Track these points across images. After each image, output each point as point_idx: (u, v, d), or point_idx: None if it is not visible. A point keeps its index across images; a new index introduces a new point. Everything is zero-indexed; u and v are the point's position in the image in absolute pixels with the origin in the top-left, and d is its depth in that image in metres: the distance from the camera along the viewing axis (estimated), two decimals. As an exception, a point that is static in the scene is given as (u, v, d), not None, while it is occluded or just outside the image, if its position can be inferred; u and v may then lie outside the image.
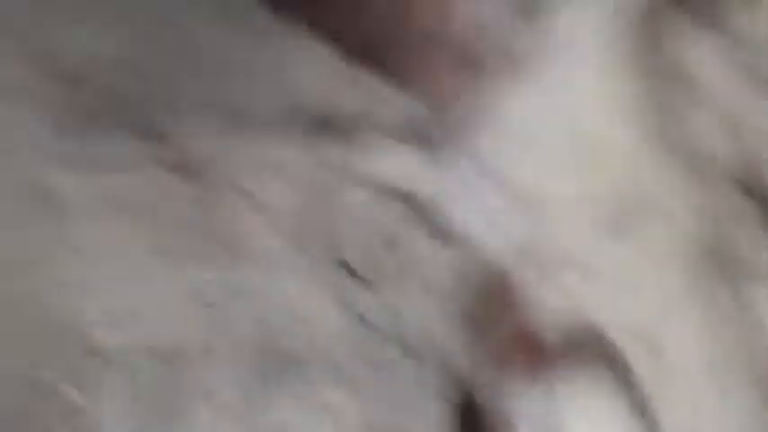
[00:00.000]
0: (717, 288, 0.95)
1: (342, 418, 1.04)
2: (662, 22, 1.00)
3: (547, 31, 0.89)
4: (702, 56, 1.04)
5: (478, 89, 0.96)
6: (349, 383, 1.05)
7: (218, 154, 1.06)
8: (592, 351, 0.93)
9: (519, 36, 0.91)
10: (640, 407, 0.90)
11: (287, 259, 1.07)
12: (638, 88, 0.94)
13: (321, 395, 1.04)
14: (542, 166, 0.95)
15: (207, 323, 1.05)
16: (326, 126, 1.07)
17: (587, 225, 0.95)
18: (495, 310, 1.00)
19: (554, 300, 0.96)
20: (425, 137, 1.06)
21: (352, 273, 1.08)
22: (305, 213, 1.08)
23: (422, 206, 1.08)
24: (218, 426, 1.01)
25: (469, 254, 1.06)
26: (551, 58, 0.90)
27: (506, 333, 0.99)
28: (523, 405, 0.92)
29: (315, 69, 1.06)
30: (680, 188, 0.95)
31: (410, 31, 0.98)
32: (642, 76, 0.94)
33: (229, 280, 1.06)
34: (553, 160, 0.95)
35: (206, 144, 1.05)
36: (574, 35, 0.89)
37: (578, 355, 0.92)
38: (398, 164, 1.08)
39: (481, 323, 1.02)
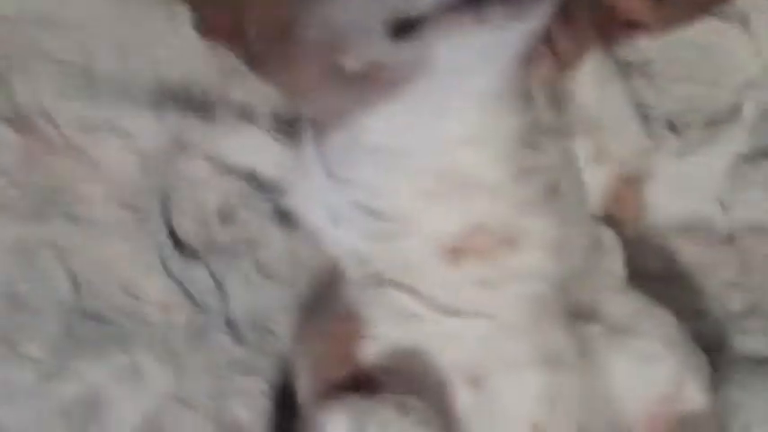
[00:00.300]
0: (555, 325, 0.94)
1: (153, 386, 1.08)
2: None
3: (426, 54, 0.83)
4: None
5: (339, 93, 0.91)
6: (165, 352, 1.08)
7: (56, 112, 1.05)
8: (412, 379, 0.93)
9: (391, 52, 0.85)
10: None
11: (114, 222, 1.08)
12: (513, 129, 0.90)
13: (134, 361, 1.06)
14: (397, 185, 0.92)
15: (19, 274, 1.06)
16: (181, 101, 1.06)
17: (434, 251, 0.92)
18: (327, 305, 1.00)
19: (384, 318, 0.95)
20: (282, 125, 1.06)
21: (182, 244, 1.08)
22: (140, 180, 1.07)
23: (265, 187, 1.08)
24: (23, 377, 1.04)
25: (310, 244, 1.05)
26: (429, 82, 0.85)
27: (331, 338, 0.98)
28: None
29: (180, 46, 1.04)
30: (540, 226, 0.92)
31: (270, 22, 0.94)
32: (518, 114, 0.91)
33: (50, 235, 1.06)
34: (411, 181, 0.92)
35: (46, 100, 1.05)
36: (457, 65, 0.84)
37: (398, 380, 0.93)
38: (247, 144, 1.07)
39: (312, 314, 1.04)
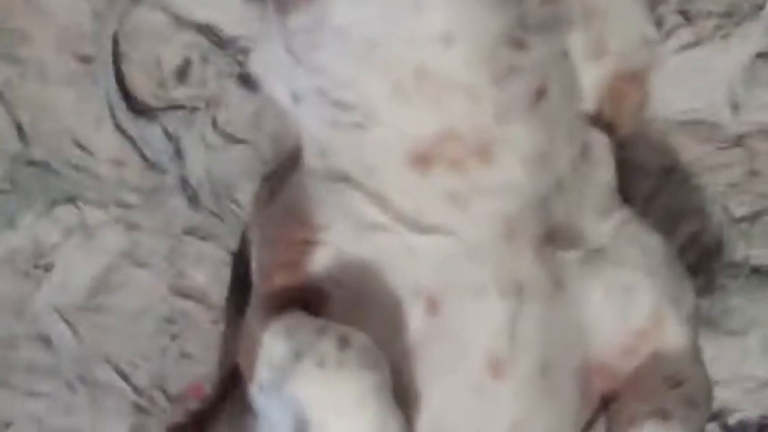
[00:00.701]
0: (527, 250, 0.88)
1: (104, 243, 1.08)
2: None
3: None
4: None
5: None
6: (117, 210, 1.06)
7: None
8: (364, 296, 0.89)
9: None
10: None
11: (64, 71, 1.03)
12: (495, 25, 0.82)
13: (84, 216, 1.07)
14: (364, 77, 0.85)
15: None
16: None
17: (399, 154, 0.86)
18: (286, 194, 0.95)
19: (341, 225, 0.88)
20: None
21: (134, 99, 1.04)
22: (92, 28, 1.03)
23: (226, 44, 1.03)
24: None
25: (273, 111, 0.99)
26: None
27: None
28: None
29: None
30: (520, 136, 0.85)
31: None
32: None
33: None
34: (378, 75, 0.85)
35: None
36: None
37: (349, 295, 0.89)
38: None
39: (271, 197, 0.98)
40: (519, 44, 0.84)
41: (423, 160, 0.86)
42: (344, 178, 0.89)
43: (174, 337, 1.08)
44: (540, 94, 0.87)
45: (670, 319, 0.91)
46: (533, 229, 0.88)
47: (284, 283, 0.90)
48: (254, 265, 0.95)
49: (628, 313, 0.90)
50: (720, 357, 1.05)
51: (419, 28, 0.82)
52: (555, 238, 0.90)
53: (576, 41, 0.92)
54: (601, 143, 0.94)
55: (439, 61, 0.83)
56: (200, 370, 1.09)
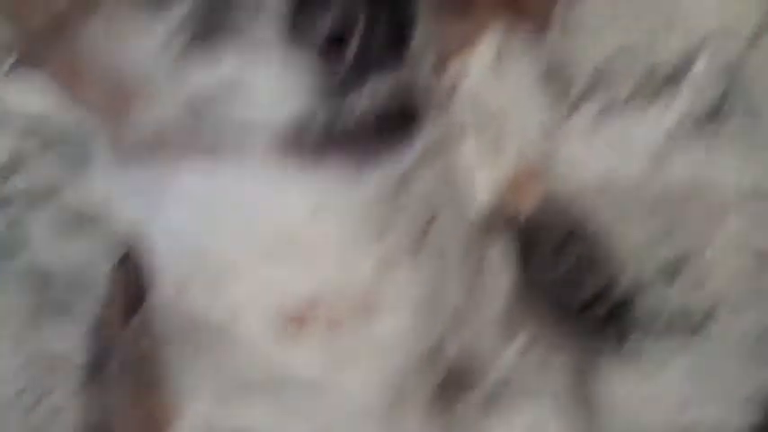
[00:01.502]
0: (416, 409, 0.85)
1: None
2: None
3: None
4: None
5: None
6: None
7: None
8: None
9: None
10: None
11: None
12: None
13: None
14: (222, 237, 0.84)
15: None
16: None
17: (269, 319, 0.83)
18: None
19: (201, 386, 0.87)
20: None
21: None
22: None
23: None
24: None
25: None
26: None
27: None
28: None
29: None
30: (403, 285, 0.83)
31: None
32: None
33: None
34: (238, 235, 0.83)
35: None
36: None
37: None
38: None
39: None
40: (397, 194, 0.80)
41: (294, 321, 0.82)
42: (202, 327, 0.86)
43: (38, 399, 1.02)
44: (428, 226, 0.84)
45: None
46: (424, 383, 0.85)
47: None
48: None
49: None
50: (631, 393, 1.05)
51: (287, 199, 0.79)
52: (451, 382, 0.87)
53: (470, 149, 0.89)
54: (501, 248, 0.92)
55: (307, 229, 0.80)
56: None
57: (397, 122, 0.73)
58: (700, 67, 0.92)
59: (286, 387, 0.84)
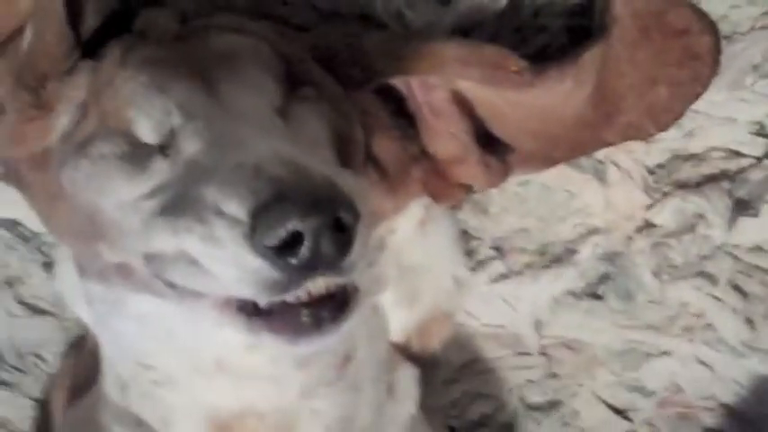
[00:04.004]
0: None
1: None
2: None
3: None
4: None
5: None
6: None
7: None
8: None
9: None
10: None
11: None
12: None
13: None
14: (165, 354, 0.90)
15: None
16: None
17: (199, 422, 0.91)
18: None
19: None
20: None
21: None
22: None
23: (28, 237, 1.07)
24: None
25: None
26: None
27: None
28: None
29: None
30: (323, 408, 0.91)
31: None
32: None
33: None
34: (179, 355, 0.89)
35: None
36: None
37: None
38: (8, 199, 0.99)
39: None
40: None
41: (222, 429, 0.89)
42: (140, 424, 0.92)
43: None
44: (347, 359, 0.91)
45: None
46: None
47: None
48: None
49: None
50: None
51: (220, 337, 0.82)
52: None
53: (388, 296, 0.98)
54: (407, 377, 1.01)
55: (241, 359, 0.84)
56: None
57: (332, 308, 0.74)
58: (584, 254, 1.04)
59: None
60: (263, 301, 0.72)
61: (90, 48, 0.85)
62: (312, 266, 0.69)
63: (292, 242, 0.68)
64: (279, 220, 0.67)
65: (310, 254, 0.68)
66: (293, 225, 0.67)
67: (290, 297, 0.72)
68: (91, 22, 0.86)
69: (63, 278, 0.99)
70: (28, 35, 0.83)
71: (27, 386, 1.12)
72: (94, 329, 0.96)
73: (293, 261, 0.68)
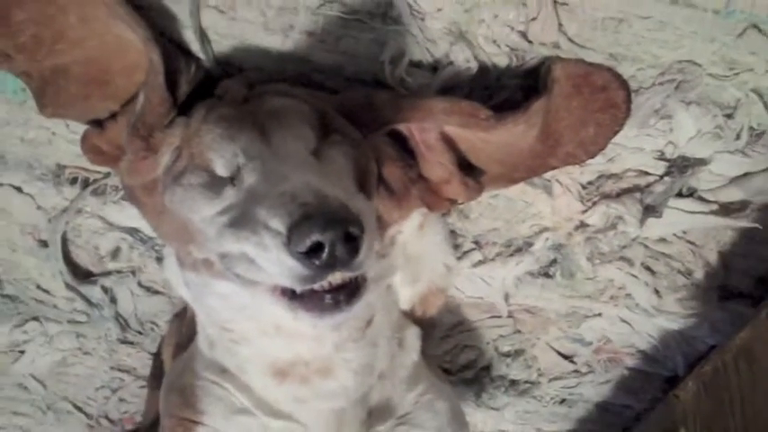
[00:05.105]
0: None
1: (59, 344, 1.17)
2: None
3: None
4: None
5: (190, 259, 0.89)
6: (69, 325, 1.13)
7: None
8: None
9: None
10: None
11: (29, 248, 1.08)
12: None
13: (45, 327, 1.15)
14: (239, 321, 0.91)
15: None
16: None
17: (264, 366, 0.91)
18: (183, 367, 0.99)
19: (217, 412, 0.94)
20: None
21: (77, 267, 1.08)
22: (46, 227, 1.05)
23: (144, 239, 1.07)
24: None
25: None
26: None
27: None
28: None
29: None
30: (351, 357, 0.91)
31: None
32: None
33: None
34: (250, 322, 0.90)
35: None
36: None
37: None
38: (130, 212, 1.02)
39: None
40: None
41: (280, 373, 0.90)
42: (223, 371, 0.93)
43: (114, 391, 1.18)
44: (368, 323, 0.91)
45: None
46: (357, 416, 0.94)
47: None
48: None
49: None
50: (485, 422, 1.20)
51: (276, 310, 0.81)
52: (373, 415, 0.96)
53: (398, 277, 0.98)
54: (412, 334, 1.00)
55: (290, 324, 0.84)
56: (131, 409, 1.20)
57: (347, 293, 0.76)
58: (538, 245, 1.03)
59: (268, 414, 0.92)
60: (298, 288, 0.75)
61: (183, 108, 0.86)
62: (331, 265, 0.71)
63: (316, 248, 0.70)
64: (306, 233, 0.70)
65: (328, 257, 0.71)
66: (316, 237, 0.69)
67: (316, 286, 0.74)
68: (184, 89, 0.87)
69: (169, 268, 0.99)
70: (140, 99, 0.85)
71: (146, 345, 1.13)
72: (192, 304, 0.96)
73: (317, 262, 0.71)
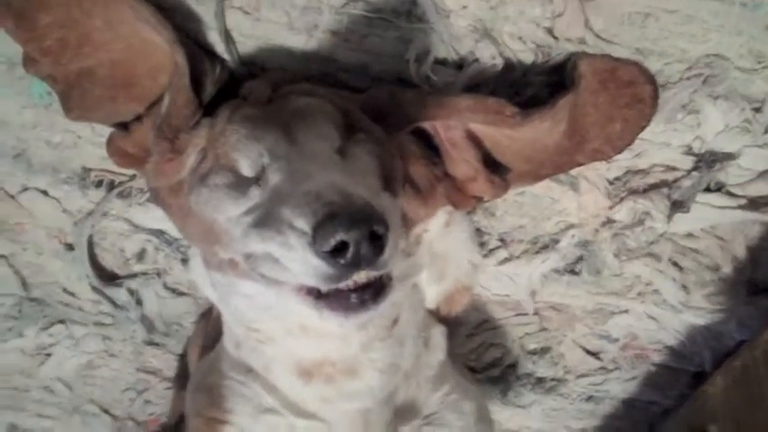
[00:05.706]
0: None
1: (85, 346, 1.17)
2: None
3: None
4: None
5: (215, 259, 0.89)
6: (95, 327, 1.13)
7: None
8: None
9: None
10: None
11: (55, 251, 1.08)
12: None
13: (71, 330, 1.15)
14: (265, 321, 0.90)
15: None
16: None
17: (290, 366, 0.91)
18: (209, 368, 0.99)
19: (244, 410, 0.94)
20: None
21: (104, 269, 1.08)
22: (71, 229, 1.05)
23: (170, 241, 1.06)
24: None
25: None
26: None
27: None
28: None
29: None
30: (377, 357, 0.90)
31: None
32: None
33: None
34: (276, 322, 0.89)
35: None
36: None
37: None
38: (155, 214, 1.03)
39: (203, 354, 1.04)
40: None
41: (306, 373, 0.89)
42: (249, 370, 0.93)
43: (140, 393, 1.17)
44: (395, 322, 0.91)
45: None
46: (383, 416, 0.93)
47: None
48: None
49: None
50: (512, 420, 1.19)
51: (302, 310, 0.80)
52: (399, 415, 0.95)
53: (424, 275, 0.97)
54: (438, 333, 1.00)
55: (316, 324, 0.83)
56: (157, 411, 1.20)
57: (372, 292, 0.75)
58: (564, 242, 1.02)
59: (295, 414, 0.92)
60: (323, 288, 0.74)
61: (208, 109, 0.86)
62: (356, 264, 0.71)
63: (341, 247, 0.70)
64: (331, 233, 0.69)
65: (353, 256, 0.70)
66: (341, 236, 0.69)
67: (342, 285, 0.74)
68: (209, 91, 0.87)
69: (195, 269, 0.98)
70: (166, 101, 0.84)
71: (172, 346, 1.13)
72: (217, 304, 0.96)
73: (342, 261, 0.70)
